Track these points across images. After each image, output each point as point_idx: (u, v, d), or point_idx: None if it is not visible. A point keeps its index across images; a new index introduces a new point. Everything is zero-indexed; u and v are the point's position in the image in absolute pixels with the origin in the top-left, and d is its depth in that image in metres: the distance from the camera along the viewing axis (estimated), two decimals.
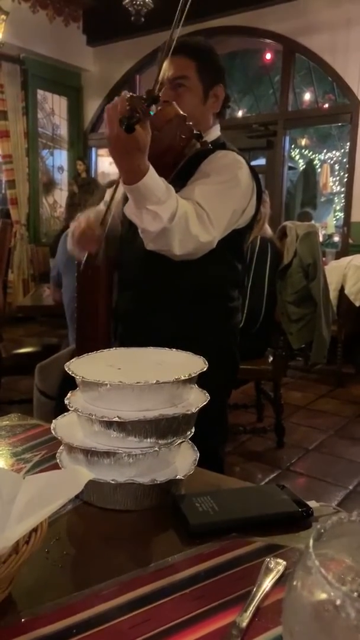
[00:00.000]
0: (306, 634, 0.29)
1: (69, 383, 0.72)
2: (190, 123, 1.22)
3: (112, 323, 1.52)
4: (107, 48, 6.24)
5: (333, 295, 3.64)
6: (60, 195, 6.64)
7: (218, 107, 1.43)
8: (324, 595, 0.28)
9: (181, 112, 1.21)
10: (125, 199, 1.42)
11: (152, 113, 1.11)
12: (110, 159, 6.49)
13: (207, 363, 0.72)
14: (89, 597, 0.52)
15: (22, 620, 0.49)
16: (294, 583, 0.31)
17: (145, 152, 1.10)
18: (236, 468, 2.66)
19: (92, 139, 6.68)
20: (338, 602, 0.27)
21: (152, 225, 1.15)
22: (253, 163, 1.43)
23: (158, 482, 0.65)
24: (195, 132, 1.22)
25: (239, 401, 3.21)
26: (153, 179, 1.13)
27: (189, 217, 1.18)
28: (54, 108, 6.48)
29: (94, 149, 6.80)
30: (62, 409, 0.75)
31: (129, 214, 1.20)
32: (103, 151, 6.93)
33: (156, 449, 0.65)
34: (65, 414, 0.74)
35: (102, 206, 1.54)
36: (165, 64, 1.28)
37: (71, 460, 0.68)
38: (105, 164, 6.99)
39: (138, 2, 4.47)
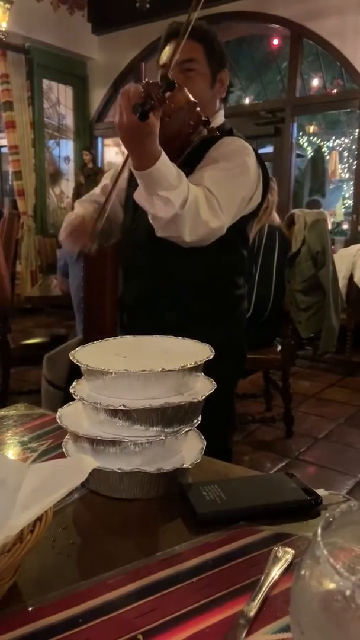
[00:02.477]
0: (314, 625, 0.28)
1: (77, 373, 0.72)
2: (199, 109, 1.20)
3: (119, 311, 1.51)
4: (112, 36, 6.19)
5: (342, 283, 3.61)
6: (67, 186, 6.62)
7: (224, 92, 1.42)
8: (332, 585, 0.27)
9: (192, 99, 1.19)
10: (129, 186, 1.40)
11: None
12: (116, 149, 6.41)
13: (213, 351, 0.71)
14: (95, 586, 0.52)
15: (29, 609, 0.49)
16: (302, 572, 0.30)
17: (156, 138, 1.08)
18: (245, 457, 2.66)
19: (98, 129, 6.64)
20: (348, 592, 0.26)
21: (163, 212, 1.13)
22: (260, 151, 1.41)
23: (164, 470, 0.64)
24: (203, 118, 1.20)
25: (248, 391, 3.20)
26: (165, 164, 1.11)
27: (199, 203, 1.17)
28: (59, 98, 6.45)
29: (100, 139, 6.77)
30: (70, 398, 0.74)
31: (139, 200, 1.18)
32: (109, 141, 6.89)
33: (162, 437, 0.64)
34: (71, 403, 0.74)
35: (97, 190, 1.53)
36: (171, 48, 1.26)
37: (77, 449, 0.68)
38: (111, 154, 6.95)
39: None
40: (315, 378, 3.92)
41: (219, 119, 1.42)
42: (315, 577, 0.28)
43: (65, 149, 6.65)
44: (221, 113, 1.44)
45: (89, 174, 5.94)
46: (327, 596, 0.28)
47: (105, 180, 1.53)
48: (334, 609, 0.27)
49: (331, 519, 0.32)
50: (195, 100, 1.19)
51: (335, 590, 0.27)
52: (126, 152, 1.16)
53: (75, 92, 6.51)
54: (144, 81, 1.04)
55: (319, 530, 0.30)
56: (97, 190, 1.53)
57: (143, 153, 1.09)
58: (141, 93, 1.01)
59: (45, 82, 6.21)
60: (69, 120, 6.59)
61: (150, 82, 1.04)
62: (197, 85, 1.29)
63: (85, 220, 1.35)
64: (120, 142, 1.13)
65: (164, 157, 1.10)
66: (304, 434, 2.94)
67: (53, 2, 5.79)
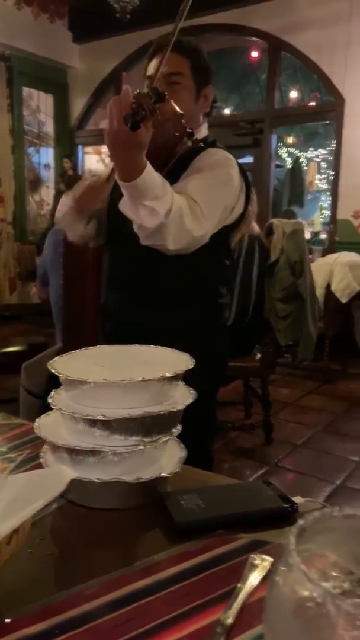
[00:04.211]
0: (287, 632, 0.29)
1: (56, 382, 0.72)
2: (184, 121, 1.21)
3: (100, 320, 1.51)
4: (93, 45, 6.20)
5: (320, 292, 3.66)
6: (47, 193, 6.58)
7: (208, 107, 1.44)
8: (305, 592, 0.28)
9: (179, 111, 1.20)
10: (112, 195, 1.41)
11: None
12: (97, 157, 6.39)
13: (193, 360, 0.72)
14: (73, 597, 0.52)
15: (6, 620, 0.48)
16: (276, 579, 0.31)
17: (144, 150, 1.09)
18: (225, 465, 2.67)
19: (78, 137, 6.64)
20: (319, 599, 0.27)
21: (149, 221, 1.14)
22: (240, 161, 1.43)
23: (143, 480, 0.65)
24: (188, 130, 1.22)
25: (228, 398, 3.21)
26: (150, 175, 1.12)
27: (183, 212, 1.18)
28: (39, 105, 6.43)
29: (80, 147, 6.76)
30: (49, 408, 0.74)
31: (123, 209, 1.18)
32: (90, 149, 6.89)
33: (141, 447, 0.65)
34: (49, 412, 0.73)
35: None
36: (158, 60, 1.27)
37: (55, 459, 0.68)
38: (92, 162, 6.95)
39: (123, 0, 4.45)
40: (294, 385, 3.96)
41: (203, 131, 1.44)
42: (288, 584, 0.29)
43: (46, 156, 6.63)
44: (205, 126, 1.46)
45: (70, 181, 5.91)
46: (299, 603, 0.28)
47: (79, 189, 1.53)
48: (306, 616, 0.28)
49: (305, 527, 0.33)
50: (182, 112, 1.21)
51: (307, 597, 0.28)
52: (108, 161, 1.17)
53: (56, 99, 6.51)
54: (136, 92, 1.05)
55: (292, 538, 0.31)
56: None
57: (130, 164, 1.09)
58: (132, 103, 1.01)
59: (26, 90, 6.19)
60: (49, 128, 6.57)
61: (142, 92, 1.05)
62: (182, 99, 1.30)
63: (96, 181, 1.33)
64: (108, 152, 1.13)
65: (149, 168, 1.11)
66: (283, 441, 2.97)
67: (34, 11, 5.79)
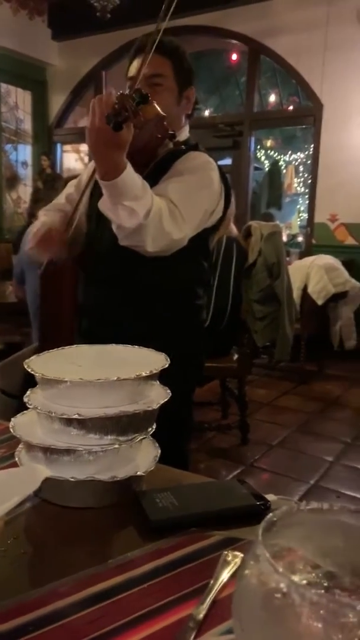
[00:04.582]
0: (255, 622, 0.30)
1: (32, 381, 0.72)
2: (166, 123, 1.22)
3: (77, 319, 1.50)
4: (72, 43, 6.17)
5: (296, 294, 3.71)
6: (25, 191, 6.52)
7: (190, 109, 1.44)
8: (271, 583, 0.29)
9: (161, 113, 1.21)
10: (93, 195, 1.41)
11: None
12: (75, 156, 6.36)
13: (168, 359, 0.73)
14: (47, 594, 0.52)
15: None
16: (244, 572, 0.32)
17: (125, 150, 1.10)
18: (201, 465, 2.68)
19: (57, 135, 6.59)
20: (285, 589, 0.28)
21: (128, 222, 1.15)
22: (219, 163, 1.44)
23: (118, 478, 0.65)
24: (170, 132, 1.23)
25: (205, 399, 3.23)
26: (130, 176, 1.12)
27: (162, 214, 1.19)
28: (17, 102, 6.36)
29: (59, 145, 6.71)
30: (24, 407, 0.74)
31: (103, 209, 1.19)
32: (69, 147, 6.84)
33: (116, 445, 0.65)
34: (25, 412, 0.73)
35: (62, 199, 1.52)
36: (139, 61, 1.27)
37: (30, 458, 0.68)
38: (70, 160, 6.90)
39: None
40: (270, 386, 4.00)
41: (184, 133, 1.44)
42: (256, 575, 0.30)
43: (23, 154, 6.56)
44: (186, 128, 1.46)
45: (47, 179, 5.86)
46: (266, 594, 0.29)
47: (70, 189, 1.53)
48: (273, 606, 0.29)
49: (273, 520, 0.34)
50: (164, 114, 1.21)
51: (274, 588, 0.29)
52: (87, 159, 1.18)
53: (34, 97, 6.45)
54: (119, 92, 1.05)
55: (260, 532, 0.32)
56: (61, 198, 1.53)
57: (110, 164, 1.10)
58: (115, 104, 1.02)
59: (3, 86, 6.12)
60: (27, 125, 6.50)
61: (125, 93, 1.05)
62: (164, 100, 1.30)
63: (54, 228, 1.35)
64: (88, 150, 1.14)
65: (129, 168, 1.12)
66: (259, 441, 3.00)
67: (12, 7, 5.73)
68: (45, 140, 6.55)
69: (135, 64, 1.36)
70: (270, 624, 0.28)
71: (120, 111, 1.01)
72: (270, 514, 0.34)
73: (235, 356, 2.81)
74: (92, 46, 5.96)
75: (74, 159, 6.89)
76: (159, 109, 1.21)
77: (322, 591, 0.32)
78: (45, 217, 1.44)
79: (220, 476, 2.58)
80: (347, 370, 4.32)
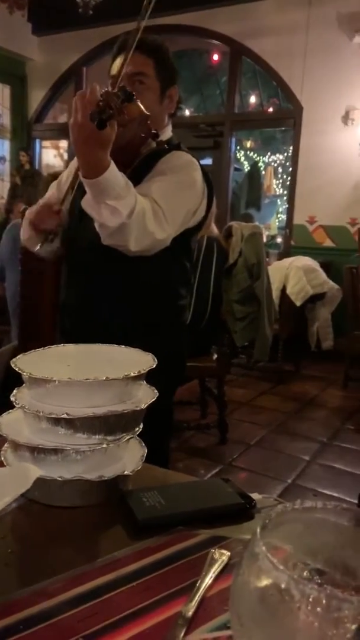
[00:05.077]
0: (253, 618, 0.30)
1: (11, 380, 0.71)
2: (149, 122, 1.22)
3: (59, 318, 1.50)
4: (53, 38, 6.11)
5: (275, 295, 3.75)
6: (2, 187, 6.43)
7: (173, 108, 1.44)
8: (270, 580, 0.30)
9: (145, 112, 1.21)
10: (76, 192, 1.40)
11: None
12: (54, 152, 6.29)
13: (156, 360, 0.73)
14: (35, 593, 0.52)
15: None
16: (242, 569, 0.33)
17: (108, 148, 1.09)
18: (179, 464, 2.69)
19: (36, 130, 6.52)
20: (283, 585, 0.29)
21: (110, 221, 1.15)
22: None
23: (105, 478, 0.65)
24: (153, 131, 1.23)
25: (184, 398, 3.24)
26: (113, 174, 1.12)
27: (146, 214, 1.19)
28: None
29: (38, 140, 6.64)
30: (3, 407, 0.73)
31: (86, 207, 1.18)
32: (48, 143, 6.77)
33: (104, 445, 0.65)
34: (10, 411, 0.73)
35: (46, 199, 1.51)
36: (121, 59, 1.27)
37: (17, 458, 0.67)
38: (49, 156, 6.83)
39: None
40: (249, 386, 4.04)
41: (167, 133, 1.45)
42: (254, 572, 0.31)
43: (1, 149, 6.47)
44: (169, 128, 1.46)
45: (26, 175, 5.80)
46: (264, 590, 0.30)
47: (52, 189, 1.52)
48: (271, 602, 0.30)
49: (267, 520, 0.35)
50: (148, 113, 1.21)
51: (272, 584, 0.30)
52: (66, 156, 1.17)
53: (13, 91, 6.36)
54: (104, 90, 1.05)
55: (259, 530, 0.32)
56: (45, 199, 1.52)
57: (93, 161, 1.10)
58: (99, 101, 1.01)
59: None
60: (6, 120, 6.42)
61: (110, 91, 1.05)
62: (146, 100, 1.30)
63: (48, 202, 1.33)
64: (70, 147, 1.13)
65: (112, 166, 1.12)
66: (237, 440, 3.02)
67: None
68: (24, 135, 6.48)
69: (118, 62, 1.35)
70: (270, 620, 0.29)
71: (104, 109, 1.00)
72: (269, 512, 0.35)
73: (215, 356, 2.83)
74: (72, 42, 5.92)
75: (53, 155, 6.82)
76: (142, 107, 1.21)
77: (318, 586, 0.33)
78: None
79: (199, 475, 2.59)
80: (323, 370, 4.39)
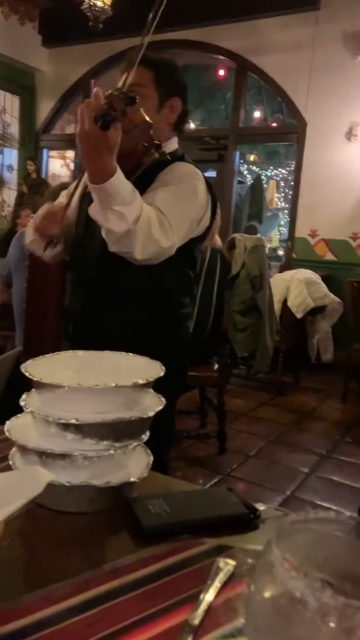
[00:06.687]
0: (268, 626, 0.31)
1: (15, 386, 0.72)
2: (152, 132, 1.24)
3: (63, 324, 1.50)
4: (62, 50, 6.18)
5: (276, 307, 3.76)
6: (9, 195, 6.47)
7: (173, 118, 1.45)
8: (285, 588, 0.30)
9: (148, 120, 1.22)
10: (82, 200, 1.42)
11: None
12: (61, 162, 6.34)
13: (164, 368, 0.74)
14: (42, 598, 0.52)
15: None
16: (256, 578, 0.33)
17: (114, 152, 1.11)
18: (178, 473, 2.68)
19: (43, 140, 6.57)
20: (298, 593, 0.29)
21: (117, 226, 1.16)
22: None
23: (112, 484, 0.66)
24: (156, 141, 1.24)
25: (183, 407, 3.24)
26: (120, 180, 1.14)
27: (152, 222, 1.20)
28: (5, 106, 6.34)
29: (45, 150, 6.69)
30: (6, 412, 0.74)
31: (93, 214, 1.20)
32: (55, 153, 6.83)
33: (112, 451, 0.66)
34: (19, 415, 0.73)
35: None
36: (124, 73, 1.29)
37: (24, 462, 0.68)
38: (56, 166, 6.89)
39: (97, 9, 4.46)
40: (248, 396, 4.03)
41: (172, 145, 1.46)
42: (269, 581, 0.31)
43: (9, 158, 6.52)
44: (174, 140, 1.48)
45: (32, 184, 5.84)
46: (279, 599, 0.30)
47: (61, 198, 1.53)
48: (286, 611, 0.30)
49: (283, 529, 0.35)
50: (151, 122, 1.23)
51: (288, 592, 0.30)
52: (72, 166, 1.19)
53: (22, 101, 6.43)
54: (107, 92, 1.07)
55: (274, 539, 0.33)
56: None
57: (100, 167, 1.11)
58: (103, 105, 1.03)
59: None
60: (14, 129, 6.48)
61: (113, 94, 1.07)
62: (143, 108, 1.32)
63: (54, 207, 1.35)
64: (72, 157, 1.15)
65: (119, 173, 1.13)
66: (236, 450, 3.01)
67: (4, 11, 5.72)
68: (32, 145, 6.53)
69: (122, 75, 1.38)
70: (285, 628, 0.29)
71: (108, 111, 1.02)
72: (283, 521, 0.36)
73: (216, 366, 2.83)
74: (81, 54, 5.99)
75: (59, 165, 6.87)
76: (146, 116, 1.23)
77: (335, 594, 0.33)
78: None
79: (197, 485, 2.58)
80: (323, 383, 4.39)
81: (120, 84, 1.37)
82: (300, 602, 0.29)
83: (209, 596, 0.54)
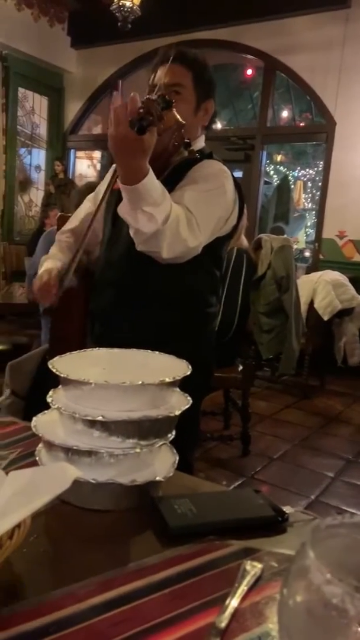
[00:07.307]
0: (303, 633, 0.30)
1: (40, 383, 0.72)
2: (183, 131, 1.23)
3: (89, 323, 1.51)
4: (91, 51, 6.24)
5: (303, 308, 3.71)
6: (36, 195, 6.56)
7: (207, 121, 1.45)
8: (321, 593, 0.29)
9: (181, 120, 1.22)
10: (110, 200, 1.42)
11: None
12: (88, 162, 6.41)
13: (190, 367, 0.73)
14: (67, 596, 0.52)
15: (1, 615, 0.48)
16: (290, 583, 0.32)
17: (148, 155, 1.10)
18: (201, 474, 2.67)
19: (71, 141, 6.64)
20: (335, 599, 0.28)
21: (146, 227, 1.16)
22: None
23: (138, 483, 0.65)
24: (186, 140, 1.24)
25: (207, 408, 3.23)
26: (151, 181, 1.13)
27: (180, 221, 1.20)
28: (34, 107, 6.43)
29: (72, 151, 6.76)
30: (32, 408, 0.74)
31: (122, 213, 1.20)
32: (82, 153, 6.90)
33: (138, 450, 0.65)
34: (46, 411, 0.74)
35: (81, 214, 1.54)
36: (162, 70, 1.29)
37: (51, 458, 0.68)
38: (83, 166, 6.95)
39: (126, 9, 4.48)
40: (272, 399, 3.99)
41: (200, 143, 1.46)
42: (304, 585, 0.30)
43: (37, 158, 6.61)
44: (202, 138, 1.47)
45: (59, 184, 5.91)
46: (315, 603, 0.29)
47: (87, 203, 1.54)
48: (322, 616, 0.29)
49: (318, 533, 0.34)
50: (184, 122, 1.22)
51: (323, 597, 0.29)
52: (99, 166, 1.19)
53: (51, 102, 6.52)
54: (145, 97, 1.06)
55: (309, 542, 0.32)
56: (80, 213, 1.55)
57: (133, 168, 1.11)
58: (140, 108, 1.03)
59: (21, 91, 6.19)
60: (43, 130, 6.57)
61: (151, 98, 1.06)
62: (181, 110, 1.31)
63: (51, 276, 1.38)
64: (112, 154, 1.14)
65: (151, 174, 1.13)
66: (260, 453, 2.98)
67: (34, 13, 5.80)
68: (59, 145, 6.61)
69: (159, 73, 1.37)
70: (320, 634, 0.28)
71: (145, 116, 1.02)
72: (317, 525, 0.34)
73: (240, 367, 2.81)
74: (109, 55, 6.03)
75: (86, 165, 6.94)
76: (179, 117, 1.23)
77: None
78: (48, 263, 1.47)
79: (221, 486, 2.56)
80: (349, 386, 4.31)
81: (155, 81, 1.36)
82: (337, 608, 0.28)
83: (235, 599, 0.53)
